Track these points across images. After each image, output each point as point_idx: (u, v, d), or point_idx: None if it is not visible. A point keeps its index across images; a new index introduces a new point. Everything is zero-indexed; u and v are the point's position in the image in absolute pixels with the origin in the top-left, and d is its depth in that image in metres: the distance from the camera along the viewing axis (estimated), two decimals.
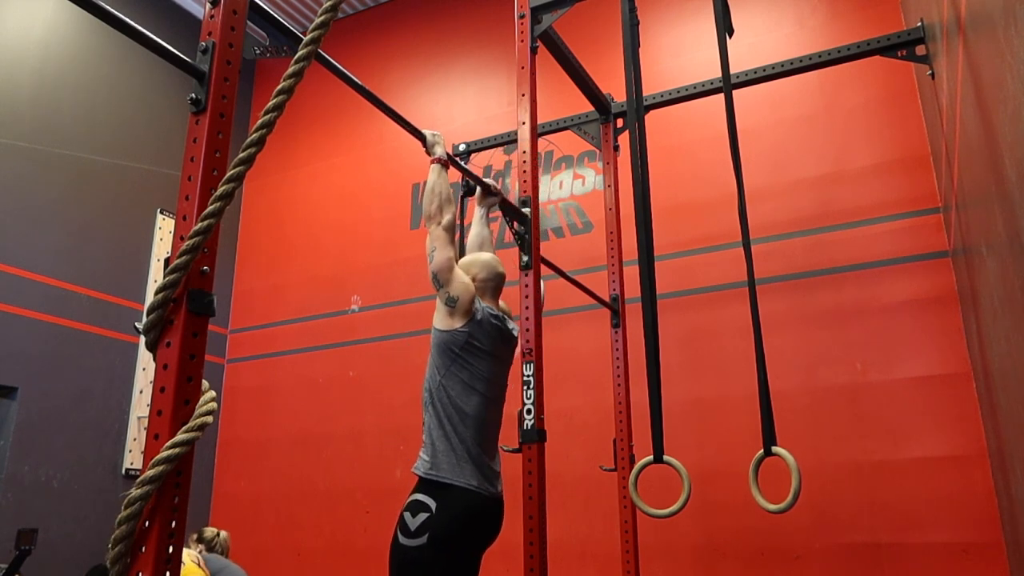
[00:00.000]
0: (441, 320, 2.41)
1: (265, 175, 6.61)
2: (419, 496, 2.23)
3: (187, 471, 1.38)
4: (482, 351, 2.39)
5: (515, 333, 2.61)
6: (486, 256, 2.66)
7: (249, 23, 1.80)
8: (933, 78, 3.54)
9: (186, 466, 1.37)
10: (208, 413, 1.42)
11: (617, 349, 3.95)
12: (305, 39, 1.59)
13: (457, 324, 2.37)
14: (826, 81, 4.65)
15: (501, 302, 2.67)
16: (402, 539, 2.18)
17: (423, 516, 2.18)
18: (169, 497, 1.34)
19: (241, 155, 1.48)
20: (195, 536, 4.21)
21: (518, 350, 2.70)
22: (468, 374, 2.36)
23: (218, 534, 4.24)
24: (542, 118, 3.96)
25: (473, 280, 2.52)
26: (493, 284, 2.59)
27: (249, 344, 6.42)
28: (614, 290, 4.07)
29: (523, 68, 3.24)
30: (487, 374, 2.41)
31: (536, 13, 3.37)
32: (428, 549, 2.14)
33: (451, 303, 2.37)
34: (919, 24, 3.65)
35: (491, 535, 2.38)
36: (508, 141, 4.64)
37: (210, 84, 1.59)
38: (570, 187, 5.44)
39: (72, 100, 5.54)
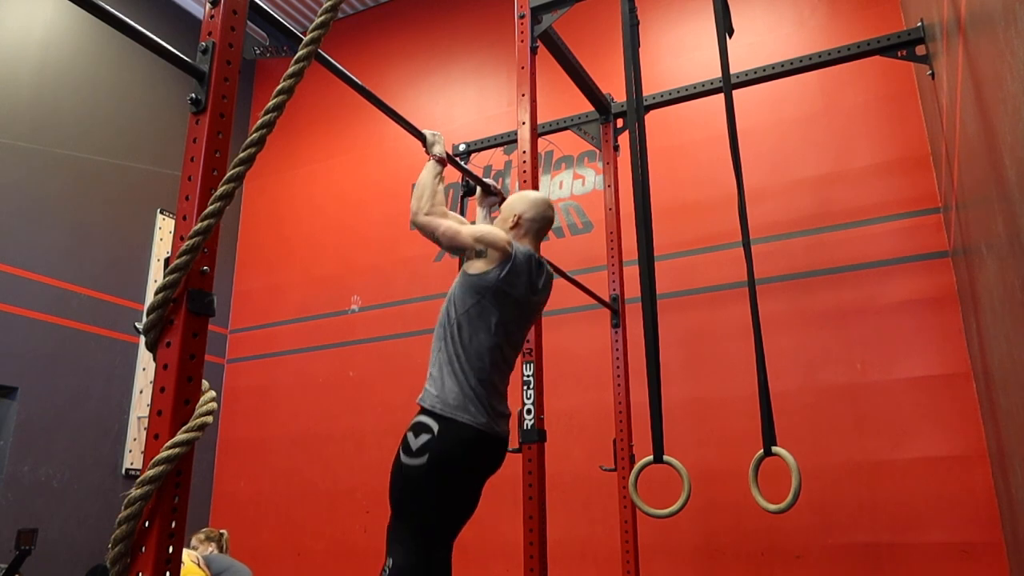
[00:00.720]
0: (472, 266, 2.32)
1: (265, 175, 6.61)
2: (423, 419, 2.22)
3: (187, 471, 1.38)
4: (508, 296, 2.31)
5: (544, 281, 2.46)
6: (535, 194, 2.52)
7: (249, 23, 1.80)
8: (933, 78, 3.54)
9: (186, 466, 1.37)
10: (208, 413, 1.42)
11: (617, 349, 3.95)
12: (305, 39, 1.59)
13: (490, 267, 2.29)
14: (826, 81, 4.65)
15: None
16: (404, 458, 2.19)
17: (425, 437, 2.17)
18: (169, 497, 1.34)
19: (241, 155, 1.48)
20: (202, 536, 4.20)
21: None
22: (488, 318, 2.28)
23: (221, 534, 4.25)
24: (542, 118, 3.96)
25: (519, 217, 2.44)
26: (538, 227, 2.46)
27: (249, 344, 6.42)
28: (614, 290, 4.07)
29: (523, 68, 3.24)
30: (508, 319, 2.33)
31: (536, 13, 3.37)
32: (427, 469, 2.14)
33: (482, 253, 2.30)
34: (919, 24, 3.65)
35: (492, 467, 2.34)
36: (508, 141, 4.64)
37: (210, 84, 1.59)
38: (570, 187, 5.44)
39: (72, 100, 5.54)
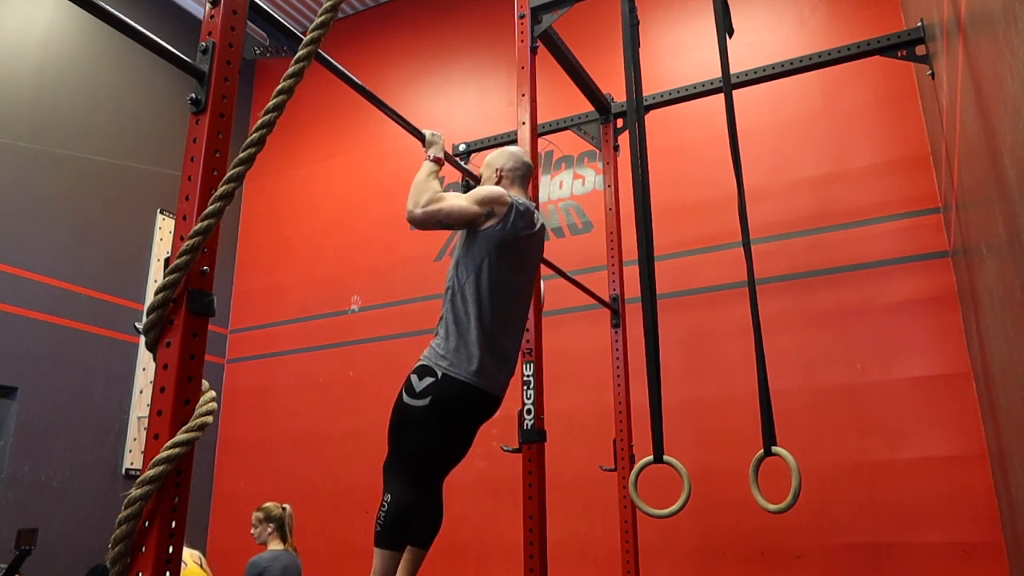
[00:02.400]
0: (480, 224, 2.39)
1: (265, 175, 6.61)
2: (427, 363, 2.32)
3: (187, 471, 1.38)
4: (514, 248, 2.41)
5: (540, 224, 2.57)
6: (512, 147, 2.69)
7: (249, 23, 1.80)
8: (933, 78, 3.54)
9: (186, 466, 1.37)
10: (208, 413, 1.42)
11: (617, 349, 3.95)
12: (305, 39, 1.59)
13: (495, 221, 2.38)
14: (826, 81, 4.65)
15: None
16: (406, 398, 2.31)
17: (428, 380, 2.28)
18: (169, 497, 1.34)
19: (241, 155, 1.48)
20: (261, 515, 4.01)
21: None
22: (496, 272, 2.37)
23: (284, 509, 4.07)
24: (542, 118, 3.96)
25: (500, 170, 2.57)
26: (521, 173, 2.61)
27: (249, 344, 6.42)
28: (614, 290, 4.07)
29: (523, 68, 3.24)
30: (515, 272, 2.43)
31: (536, 13, 3.37)
32: (428, 410, 2.26)
33: (490, 215, 2.38)
34: (919, 24, 3.65)
35: (487, 415, 2.45)
36: (508, 141, 4.63)
37: (210, 84, 1.59)
38: (570, 187, 5.44)
39: (72, 100, 5.54)
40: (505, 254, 2.38)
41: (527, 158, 2.67)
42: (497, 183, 2.57)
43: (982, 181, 2.25)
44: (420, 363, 2.34)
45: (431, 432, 2.27)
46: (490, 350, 2.33)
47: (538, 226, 2.56)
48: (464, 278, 2.37)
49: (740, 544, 4.21)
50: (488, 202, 2.38)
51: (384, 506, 2.24)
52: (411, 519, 2.25)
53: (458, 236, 2.48)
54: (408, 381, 2.33)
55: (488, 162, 2.64)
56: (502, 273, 2.38)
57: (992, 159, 1.96)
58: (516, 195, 2.50)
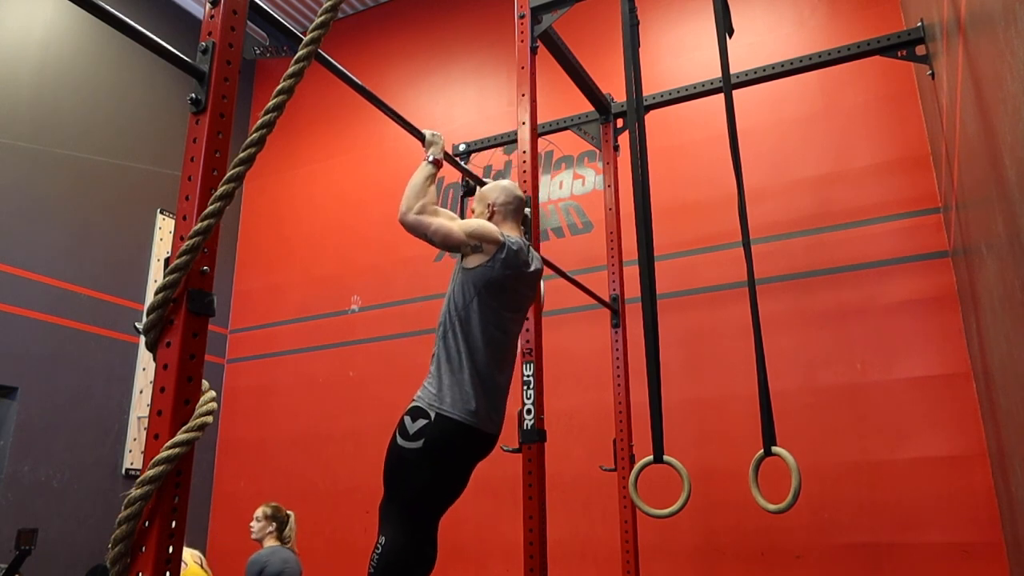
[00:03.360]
0: (469, 260, 2.39)
1: (265, 175, 6.61)
2: (420, 404, 2.29)
3: (187, 471, 1.38)
4: (505, 287, 2.38)
5: (535, 266, 2.55)
6: (504, 181, 2.63)
7: (249, 23, 1.80)
8: (933, 78, 3.54)
9: (186, 466, 1.37)
10: (208, 413, 1.42)
11: (617, 349, 3.95)
12: (305, 39, 1.59)
13: (485, 260, 2.35)
14: (826, 81, 4.64)
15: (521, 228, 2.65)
16: (399, 440, 2.27)
17: (422, 422, 2.25)
18: (169, 497, 1.34)
19: (241, 155, 1.48)
20: (269, 511, 4.06)
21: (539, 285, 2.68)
22: (487, 310, 2.35)
23: (288, 515, 4.13)
24: (542, 118, 3.96)
25: (492, 205, 2.52)
26: (513, 207, 2.55)
27: (249, 344, 6.42)
28: (614, 290, 4.07)
29: (523, 68, 3.24)
30: (506, 311, 2.40)
31: (536, 13, 3.37)
32: (422, 453, 2.23)
33: (477, 248, 2.36)
34: (919, 24, 3.65)
35: (482, 455, 2.43)
36: (508, 141, 4.64)
37: (210, 84, 1.59)
38: (570, 187, 5.44)
39: (72, 100, 5.54)
40: (495, 293, 2.36)
41: (520, 192, 2.61)
42: (489, 218, 2.52)
43: (982, 181, 2.25)
44: (413, 404, 2.31)
45: (426, 474, 2.24)
46: (484, 388, 2.32)
47: (533, 266, 2.52)
48: (455, 316, 2.35)
49: (740, 544, 4.21)
50: (478, 236, 2.35)
51: (378, 548, 2.21)
52: (406, 562, 2.23)
53: (453, 269, 2.46)
54: (401, 423, 2.29)
55: (480, 196, 2.59)
56: (494, 311, 2.36)
57: (992, 159, 1.96)
58: (509, 232, 2.46)
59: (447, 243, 2.35)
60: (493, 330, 2.35)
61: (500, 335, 2.38)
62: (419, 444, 2.23)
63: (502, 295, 2.38)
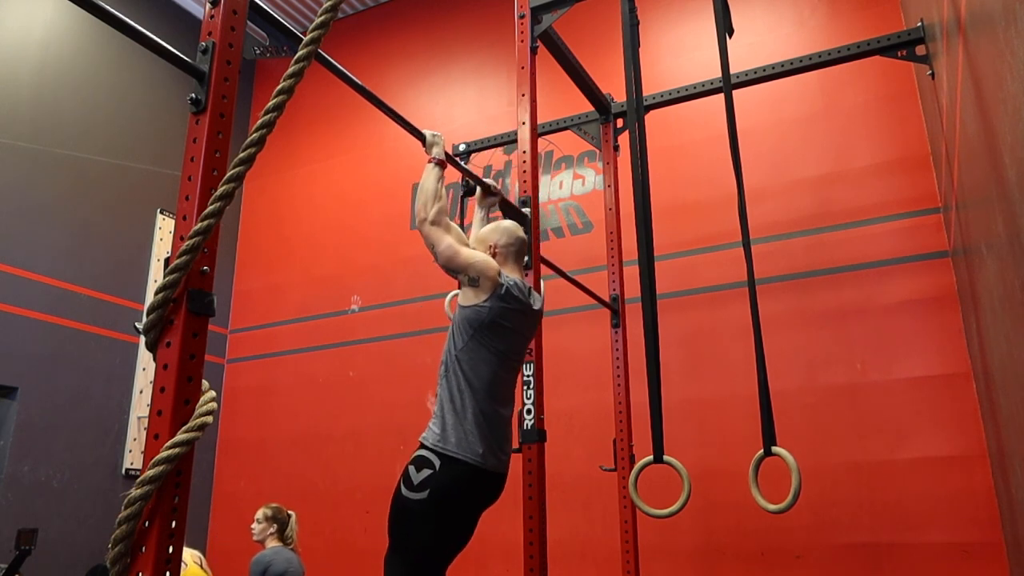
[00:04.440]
0: (465, 297, 2.38)
1: (265, 175, 6.61)
2: (425, 453, 2.26)
3: (187, 471, 1.38)
4: (504, 327, 2.36)
5: (536, 306, 2.54)
6: (506, 222, 2.61)
7: (249, 23, 1.80)
8: (933, 78, 3.54)
9: (186, 466, 1.37)
10: (208, 413, 1.42)
11: (617, 349, 3.95)
12: (305, 39, 1.59)
13: (482, 298, 2.34)
14: (826, 81, 4.64)
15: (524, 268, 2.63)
16: (404, 491, 2.23)
17: (427, 472, 2.21)
18: (169, 497, 1.34)
19: (241, 155, 1.48)
20: (269, 512, 4.07)
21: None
22: (486, 351, 2.34)
23: (289, 515, 4.14)
24: (542, 118, 3.96)
25: (494, 247, 2.50)
26: (515, 249, 2.53)
27: (249, 344, 6.42)
28: (614, 290, 4.07)
29: (523, 68, 3.24)
30: (505, 351, 2.38)
31: (536, 13, 3.37)
32: (428, 504, 2.18)
33: (474, 283, 2.35)
34: (919, 24, 3.65)
35: (492, 497, 2.39)
36: (508, 141, 4.64)
37: (210, 84, 1.59)
38: (570, 187, 5.44)
39: (72, 100, 5.54)
40: (494, 332, 2.35)
41: (521, 233, 2.57)
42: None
43: (982, 181, 2.25)
44: (417, 453, 2.27)
45: (431, 525, 2.19)
46: (489, 426, 2.30)
47: (536, 306, 2.50)
48: (455, 355, 2.34)
49: (740, 544, 4.21)
50: (478, 271, 2.34)
51: None
52: None
53: (454, 306, 2.45)
54: (405, 473, 2.25)
55: (481, 238, 2.57)
56: (493, 350, 2.35)
57: (992, 159, 1.96)
58: (509, 273, 2.43)
59: (450, 264, 2.36)
60: (495, 367, 2.34)
61: (502, 373, 2.37)
62: (424, 495, 2.18)
63: (501, 335, 2.36)
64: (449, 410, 2.29)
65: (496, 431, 2.33)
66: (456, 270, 2.37)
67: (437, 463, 2.21)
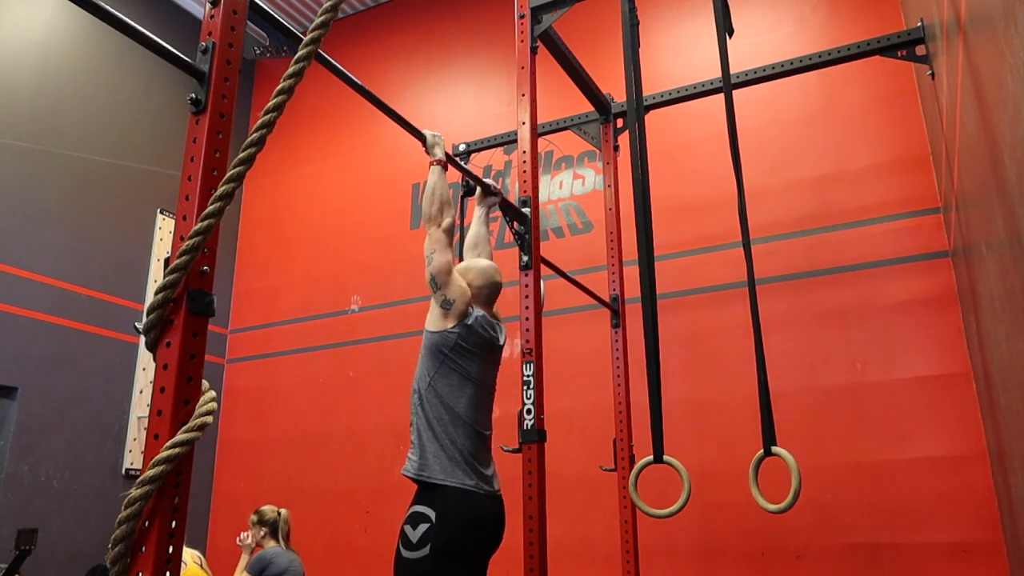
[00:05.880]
0: (433, 322, 2.41)
1: (265, 175, 6.61)
2: (418, 508, 2.22)
3: (187, 471, 1.38)
4: (471, 352, 2.39)
5: (501, 343, 2.57)
6: (484, 263, 2.62)
7: (249, 23, 1.80)
8: (933, 78, 3.54)
9: (186, 466, 1.37)
10: (208, 413, 1.42)
11: (617, 349, 3.95)
12: (305, 39, 1.58)
13: (448, 325, 2.37)
14: (826, 81, 4.64)
15: (494, 308, 2.64)
16: (404, 552, 2.17)
17: (423, 527, 2.16)
18: (169, 497, 1.34)
19: (241, 155, 1.48)
20: (254, 519, 4.10)
21: (505, 352, 2.69)
22: (457, 376, 2.35)
23: (279, 513, 4.14)
24: (542, 118, 3.96)
25: (468, 286, 2.50)
26: (488, 292, 2.55)
27: (249, 344, 6.42)
28: (614, 290, 4.07)
29: (523, 68, 3.24)
30: (476, 375, 2.40)
31: (536, 13, 3.37)
32: (431, 560, 2.12)
33: (447, 305, 2.37)
34: (919, 24, 3.65)
35: (494, 540, 2.35)
36: (508, 141, 4.64)
37: (210, 84, 1.59)
38: (570, 187, 5.44)
39: (72, 100, 5.54)
40: (465, 355, 2.37)
41: (498, 278, 2.59)
42: None
43: (982, 181, 2.25)
44: (411, 511, 2.22)
45: None
46: (475, 446, 2.30)
47: (500, 342, 2.52)
48: (431, 381, 2.34)
49: (740, 544, 4.21)
50: (455, 296, 2.36)
51: None
52: None
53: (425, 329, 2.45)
54: (402, 534, 2.19)
55: (462, 270, 2.56)
56: (466, 373, 2.37)
57: (992, 159, 1.96)
58: (478, 309, 2.46)
59: (438, 277, 2.37)
60: (470, 390, 2.36)
61: (478, 395, 2.38)
62: (425, 551, 2.12)
63: (470, 358, 2.38)
64: (429, 438, 2.28)
65: (480, 453, 2.33)
66: (438, 285, 2.38)
67: (432, 514, 2.17)
